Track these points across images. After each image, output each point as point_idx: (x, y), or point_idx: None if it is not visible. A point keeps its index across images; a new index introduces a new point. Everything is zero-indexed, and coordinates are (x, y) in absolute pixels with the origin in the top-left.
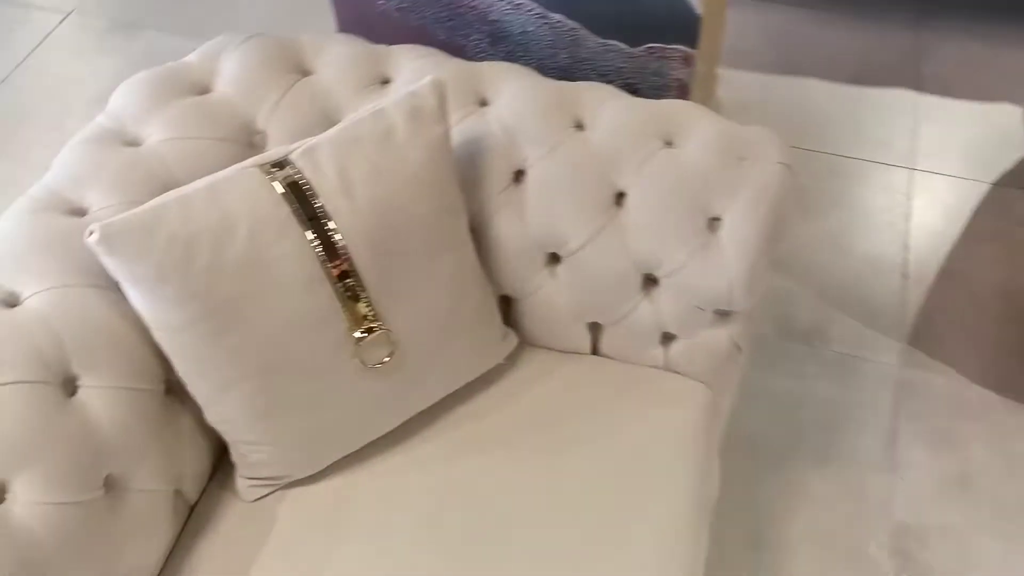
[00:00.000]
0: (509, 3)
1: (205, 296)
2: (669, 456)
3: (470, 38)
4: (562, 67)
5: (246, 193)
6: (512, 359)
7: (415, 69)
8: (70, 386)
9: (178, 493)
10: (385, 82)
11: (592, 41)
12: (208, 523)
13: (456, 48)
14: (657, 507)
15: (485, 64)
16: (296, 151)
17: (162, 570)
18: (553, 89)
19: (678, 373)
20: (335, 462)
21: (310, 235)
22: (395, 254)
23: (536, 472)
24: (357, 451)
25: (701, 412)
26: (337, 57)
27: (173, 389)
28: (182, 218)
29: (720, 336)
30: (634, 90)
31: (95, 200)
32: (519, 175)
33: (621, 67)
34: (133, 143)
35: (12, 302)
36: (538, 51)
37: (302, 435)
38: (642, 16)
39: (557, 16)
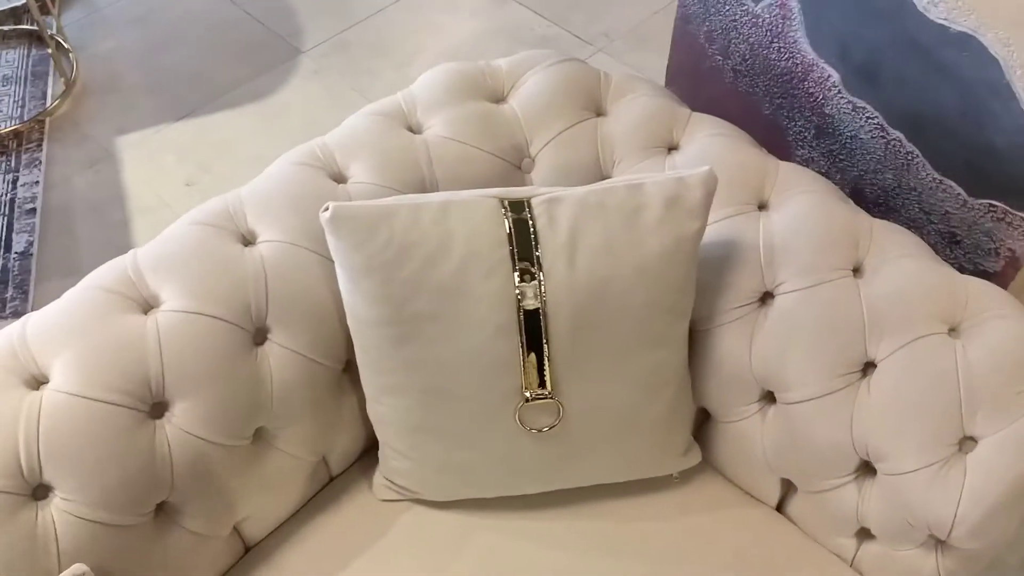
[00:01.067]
0: (850, 103)
1: (399, 304)
2: None
3: (795, 122)
4: (883, 187)
5: (475, 222)
6: (686, 476)
7: (706, 146)
8: (261, 336)
9: (321, 464)
10: (672, 148)
11: (927, 173)
12: (335, 502)
13: (777, 128)
14: None
15: (785, 164)
16: (539, 197)
17: (279, 527)
18: (847, 218)
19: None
20: (474, 501)
21: (517, 285)
22: (594, 335)
23: None
24: (499, 500)
25: None
26: (636, 107)
27: (349, 370)
28: (407, 225)
29: (926, 564)
30: (955, 241)
31: (357, 172)
32: (766, 297)
33: (949, 212)
34: (414, 130)
35: (249, 240)
36: (863, 162)
37: (444, 464)
38: (994, 165)
39: (896, 133)
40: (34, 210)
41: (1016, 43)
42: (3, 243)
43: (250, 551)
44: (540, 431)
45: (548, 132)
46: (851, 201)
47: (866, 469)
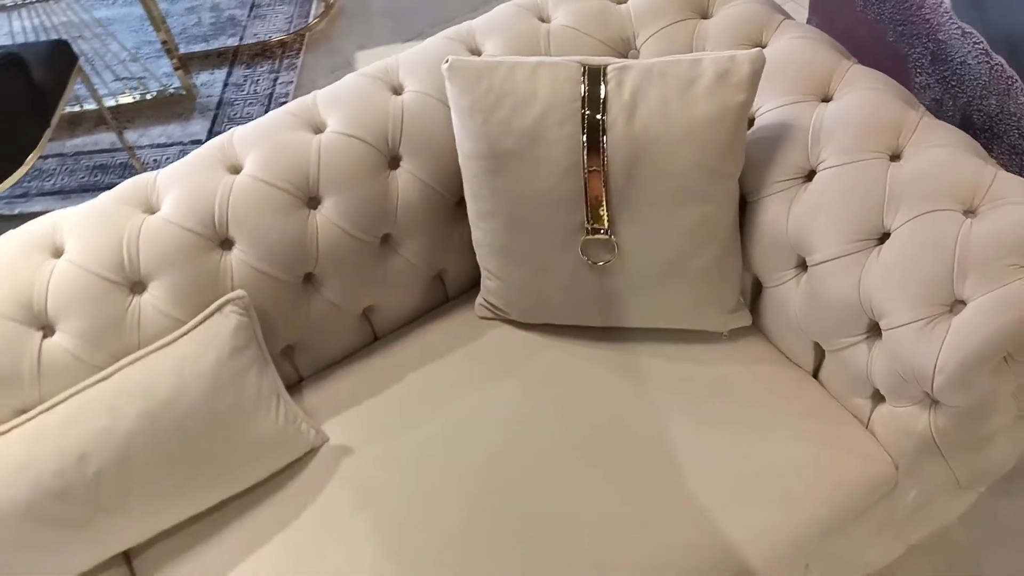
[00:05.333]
0: (959, 28)
1: (492, 141)
2: (815, 492)
3: (914, 49)
4: (988, 113)
5: (557, 80)
6: (737, 337)
7: (787, 45)
8: (395, 162)
9: (438, 281)
10: (756, 46)
11: None
12: (446, 316)
13: (898, 56)
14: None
15: (857, 67)
16: (614, 65)
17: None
18: (896, 112)
19: (874, 436)
20: (547, 325)
21: (584, 134)
22: (646, 185)
23: (684, 428)
24: (565, 327)
25: (870, 477)
26: (736, 11)
27: (461, 204)
28: (505, 77)
29: (920, 420)
30: None
31: (490, 47)
32: (810, 175)
33: None
34: (544, 20)
35: (397, 91)
36: (971, 88)
37: (523, 286)
38: None
39: (998, 58)
40: (285, 103)
41: None
42: None
43: (377, 340)
44: (599, 264)
45: (652, 27)
46: (913, 100)
47: (875, 331)
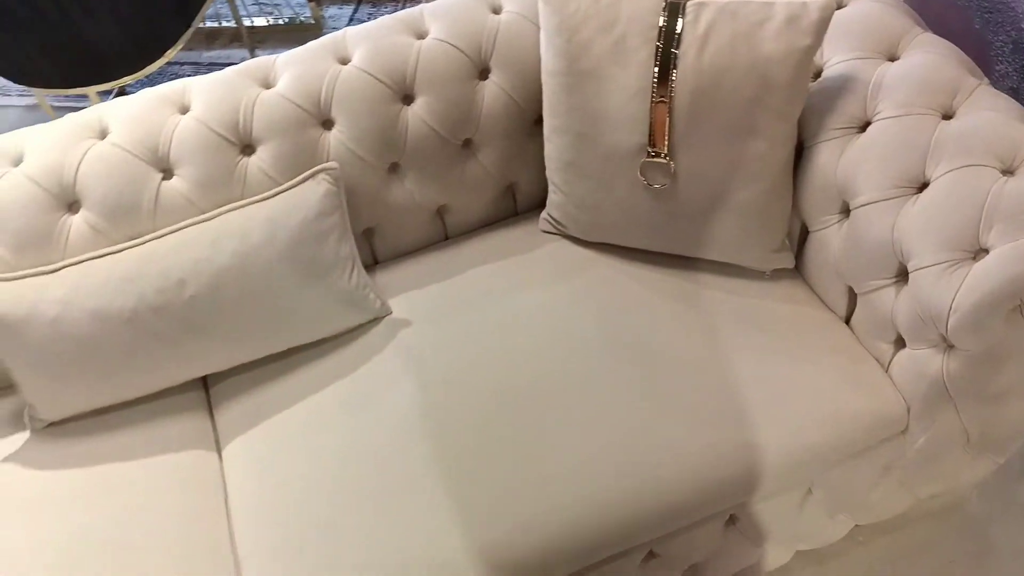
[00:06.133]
0: None
1: (572, 59)
2: (824, 418)
3: (998, 37)
4: None
5: (639, 9)
6: (777, 278)
7: (864, 8)
8: (485, 74)
9: (508, 193)
10: (840, 6)
11: None
12: (512, 227)
13: (984, 43)
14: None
15: (926, 34)
16: (693, 1)
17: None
18: (955, 76)
19: (891, 379)
20: (602, 244)
21: (656, 62)
22: (707, 115)
23: (711, 346)
24: (618, 248)
25: (881, 415)
26: None
27: (539, 123)
28: (592, 1)
29: (933, 362)
30: None
31: None
32: (864, 126)
33: None
34: None
35: (497, 11)
36: None
37: (584, 201)
38: None
39: None
40: None
41: None
42: None
43: (448, 239)
44: (655, 187)
45: None
46: (977, 71)
47: (903, 276)
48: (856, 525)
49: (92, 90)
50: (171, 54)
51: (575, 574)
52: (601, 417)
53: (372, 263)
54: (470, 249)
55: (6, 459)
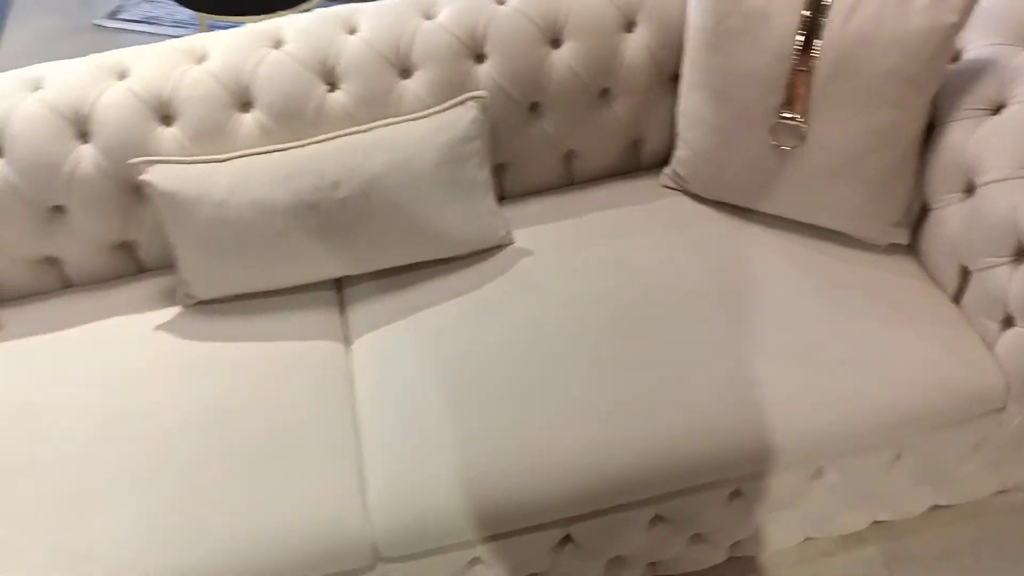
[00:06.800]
0: None
1: (720, 17)
2: (921, 382)
3: None
4: None
5: None
6: (890, 253)
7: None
8: (630, 27)
9: (634, 147)
10: None
11: None
12: (635, 179)
13: None
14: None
15: None
16: None
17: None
18: None
19: (994, 356)
20: (720, 203)
21: (802, 29)
22: (845, 80)
23: (815, 305)
24: (735, 208)
25: (979, 388)
26: None
27: (675, 82)
28: None
29: None
30: None
31: None
32: (998, 108)
33: None
34: None
35: None
36: None
37: (710, 157)
38: None
39: None
40: None
41: None
42: None
43: (572, 184)
44: (784, 148)
45: None
46: None
47: (1020, 255)
48: (936, 506)
49: (250, 19)
50: None
51: (658, 500)
52: (698, 358)
53: (500, 198)
54: (592, 195)
55: (157, 328)
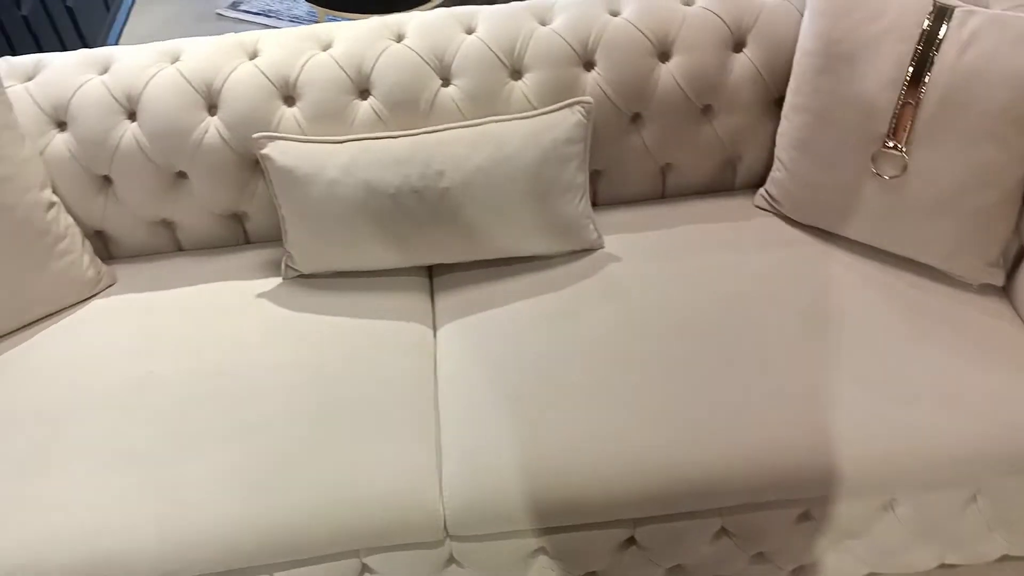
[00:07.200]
0: None
1: (832, 42)
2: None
3: None
4: None
5: (908, 6)
6: (982, 293)
7: None
8: (739, 47)
9: (729, 164)
10: None
11: None
12: (720, 197)
13: None
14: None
15: None
16: (962, 8)
17: (686, 194)
18: None
19: None
20: (812, 228)
21: (912, 61)
22: (952, 115)
23: (900, 333)
24: (827, 234)
25: None
26: None
27: (779, 103)
28: None
29: None
30: None
31: None
32: None
33: None
34: None
35: None
36: None
37: (807, 180)
38: None
39: None
40: None
41: None
42: None
43: (664, 198)
44: (884, 177)
45: None
46: None
47: None
48: (1007, 556)
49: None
50: None
51: (725, 512)
52: (777, 376)
53: (592, 204)
54: (684, 209)
55: (259, 295)
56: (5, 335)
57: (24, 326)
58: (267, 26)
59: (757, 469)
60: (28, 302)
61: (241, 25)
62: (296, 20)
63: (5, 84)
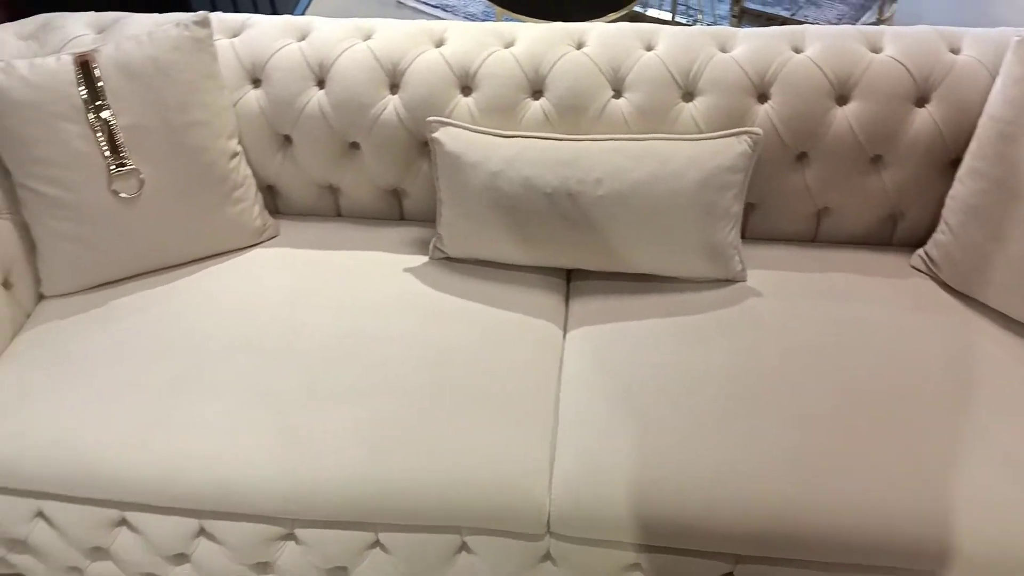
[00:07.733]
0: None
1: (1022, 111)
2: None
3: None
4: None
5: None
6: None
7: None
8: (922, 102)
9: (893, 217)
10: None
11: None
12: (877, 251)
13: None
14: None
15: None
16: None
17: (846, 243)
18: None
19: None
20: (968, 298)
21: None
22: None
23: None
24: (987, 307)
25: None
26: None
27: (954, 165)
28: None
29: None
30: None
31: None
32: None
33: None
34: None
35: (955, 51)
36: None
37: (974, 245)
38: None
39: None
40: None
41: None
42: None
43: (815, 241)
44: None
45: None
46: None
47: None
48: None
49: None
50: (625, 9)
51: (830, 567)
52: (906, 440)
53: (741, 236)
54: (836, 256)
55: (406, 269)
56: (174, 266)
57: (192, 261)
58: (443, 18)
59: (874, 530)
60: (200, 239)
61: (419, 15)
62: (471, 16)
63: (215, 37)
